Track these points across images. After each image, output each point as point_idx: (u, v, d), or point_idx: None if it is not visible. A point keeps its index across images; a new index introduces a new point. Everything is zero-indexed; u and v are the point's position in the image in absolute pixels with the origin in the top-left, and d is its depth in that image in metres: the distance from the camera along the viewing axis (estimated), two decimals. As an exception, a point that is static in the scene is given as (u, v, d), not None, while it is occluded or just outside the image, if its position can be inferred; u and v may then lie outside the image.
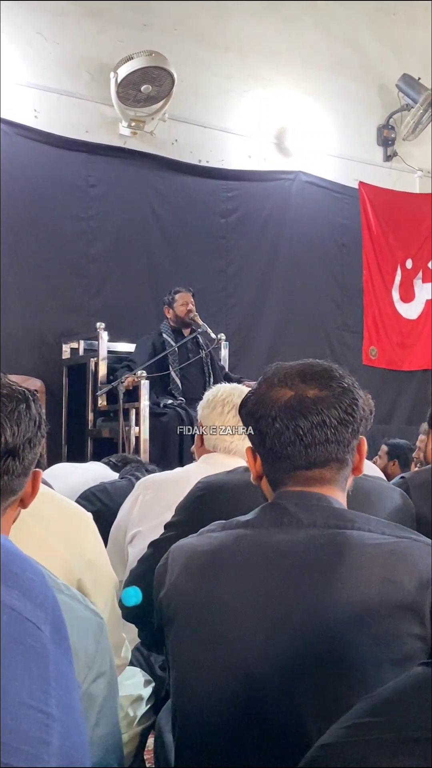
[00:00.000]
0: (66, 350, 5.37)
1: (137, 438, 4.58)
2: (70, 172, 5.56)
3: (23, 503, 1.05)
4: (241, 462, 1.82)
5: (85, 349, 5.27)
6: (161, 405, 4.79)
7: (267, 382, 1.18)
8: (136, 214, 5.81)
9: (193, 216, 6.05)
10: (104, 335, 5.04)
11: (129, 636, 1.72)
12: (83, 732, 0.74)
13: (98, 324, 5.06)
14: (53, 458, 4.46)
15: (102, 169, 5.69)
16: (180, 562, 1.17)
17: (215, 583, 1.11)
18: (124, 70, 5.38)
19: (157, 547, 1.58)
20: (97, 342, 5.05)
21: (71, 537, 1.51)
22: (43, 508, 1.30)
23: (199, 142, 6.15)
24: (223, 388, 2.09)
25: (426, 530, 1.28)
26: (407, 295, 7.22)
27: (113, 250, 5.71)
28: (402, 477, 2.03)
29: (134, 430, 4.59)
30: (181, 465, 2.35)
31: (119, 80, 5.42)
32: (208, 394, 2.09)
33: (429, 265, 7.32)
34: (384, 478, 2.14)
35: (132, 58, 5.38)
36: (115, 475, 2.94)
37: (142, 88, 5.48)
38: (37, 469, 1.04)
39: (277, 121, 6.48)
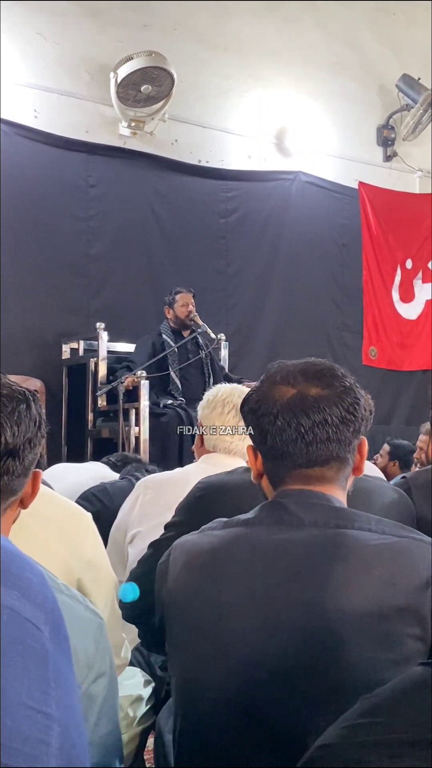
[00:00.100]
0: (66, 350, 5.37)
1: (137, 438, 4.58)
2: (70, 172, 5.56)
3: (23, 503, 1.05)
4: (241, 462, 1.82)
5: (85, 350, 5.28)
6: (161, 405, 4.78)
7: (269, 379, 1.18)
8: (135, 214, 5.81)
9: (193, 216, 6.05)
10: (104, 335, 5.04)
11: (129, 636, 1.72)
12: (83, 733, 0.74)
13: (98, 324, 5.06)
14: (53, 458, 4.47)
15: (102, 169, 5.69)
16: (181, 560, 1.17)
17: (215, 582, 1.12)
18: (124, 70, 5.38)
19: (157, 548, 1.57)
20: (97, 342, 5.05)
21: (71, 537, 1.51)
22: (43, 508, 1.30)
23: (198, 142, 6.14)
24: (223, 388, 2.09)
25: (427, 531, 1.28)
26: (407, 296, 7.22)
27: (113, 250, 5.71)
28: (403, 477, 2.02)
29: (134, 430, 4.59)
30: (181, 465, 2.35)
31: (119, 80, 5.42)
32: (208, 395, 2.09)
33: (429, 265, 7.31)
34: (384, 478, 2.13)
35: (132, 58, 5.38)
36: (115, 475, 2.94)
37: (142, 89, 5.48)
38: (37, 470, 1.04)
39: (277, 121, 6.48)
